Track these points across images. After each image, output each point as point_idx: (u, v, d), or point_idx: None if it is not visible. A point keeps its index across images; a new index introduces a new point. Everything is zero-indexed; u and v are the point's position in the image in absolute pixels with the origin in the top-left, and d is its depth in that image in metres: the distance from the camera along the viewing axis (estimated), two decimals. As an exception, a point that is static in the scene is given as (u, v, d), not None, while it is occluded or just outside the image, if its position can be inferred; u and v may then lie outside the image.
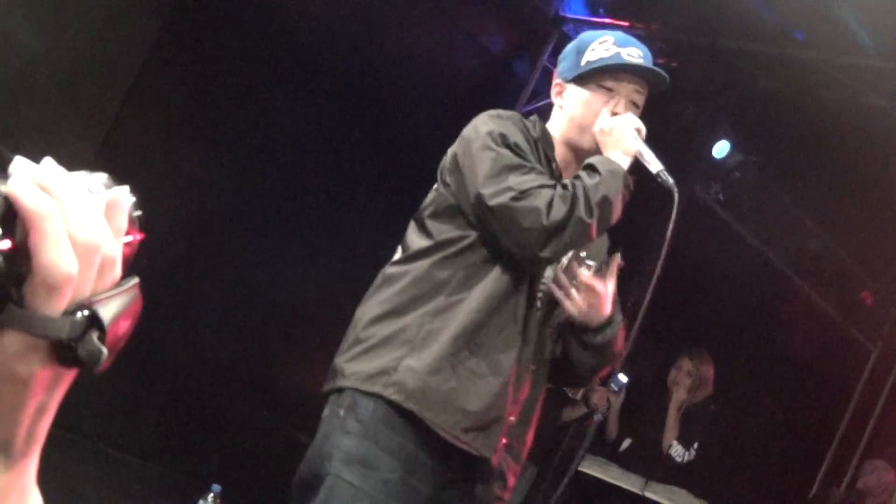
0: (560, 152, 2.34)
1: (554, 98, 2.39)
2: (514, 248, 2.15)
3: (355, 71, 5.43)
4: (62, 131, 4.58)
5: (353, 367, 2.19)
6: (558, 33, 6.40)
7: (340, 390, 2.19)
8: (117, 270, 0.60)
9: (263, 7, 5.19)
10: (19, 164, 0.57)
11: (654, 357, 5.97)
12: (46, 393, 0.60)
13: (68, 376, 0.60)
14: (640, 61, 2.30)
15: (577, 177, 2.18)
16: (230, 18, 5.08)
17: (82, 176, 0.60)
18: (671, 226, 2.23)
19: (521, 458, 2.33)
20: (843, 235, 7.21)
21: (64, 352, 0.58)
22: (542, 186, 2.13)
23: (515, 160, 2.17)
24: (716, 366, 5.23)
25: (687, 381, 5.13)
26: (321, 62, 5.33)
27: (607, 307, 2.26)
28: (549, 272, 2.29)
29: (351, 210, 5.48)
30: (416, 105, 5.52)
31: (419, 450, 2.15)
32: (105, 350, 0.58)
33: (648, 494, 4.84)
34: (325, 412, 2.22)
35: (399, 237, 2.36)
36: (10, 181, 0.56)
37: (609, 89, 2.29)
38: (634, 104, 2.31)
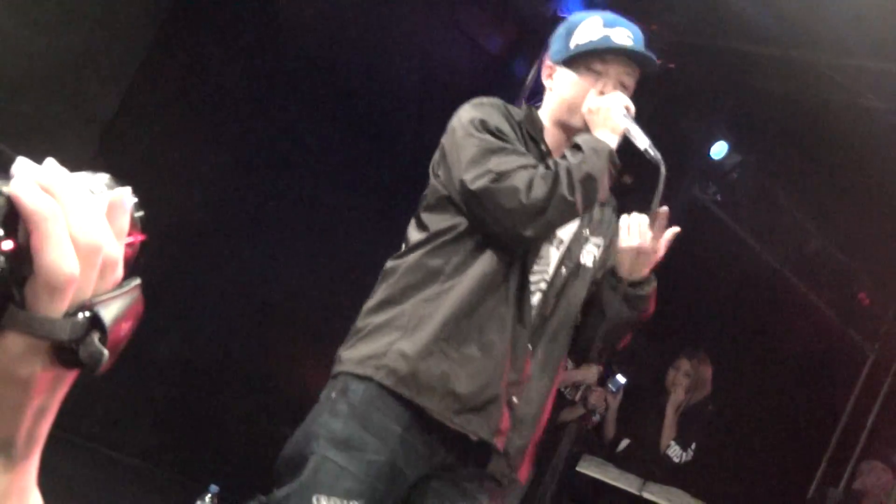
0: (551, 134, 2.36)
1: (545, 80, 2.41)
2: (498, 230, 2.18)
3: (354, 71, 5.42)
4: (60, 131, 4.58)
5: (348, 353, 2.23)
6: (557, 34, 6.41)
7: (336, 376, 2.23)
8: (119, 271, 0.60)
9: (262, 6, 5.18)
10: (22, 165, 0.57)
11: (652, 357, 5.97)
12: (47, 394, 0.60)
13: (69, 377, 0.60)
14: (628, 42, 2.32)
15: (562, 156, 2.21)
16: (229, 18, 5.07)
17: (84, 177, 0.60)
18: (657, 199, 2.25)
19: (534, 438, 2.33)
20: (840, 236, 7.22)
21: (65, 353, 0.57)
22: (522, 167, 2.15)
23: (497, 144, 2.19)
24: (714, 366, 5.23)
25: (685, 381, 5.13)
26: (319, 61, 5.32)
27: (649, 268, 2.32)
28: (553, 254, 2.30)
29: (349, 210, 5.47)
30: (415, 105, 5.52)
31: (408, 434, 2.16)
32: (106, 352, 0.58)
33: (646, 495, 4.84)
34: (321, 395, 2.26)
35: (399, 237, 2.39)
36: (12, 182, 0.56)
37: (598, 72, 2.31)
38: (623, 85, 2.33)
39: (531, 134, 2.33)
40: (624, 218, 2.32)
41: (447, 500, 2.25)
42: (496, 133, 2.22)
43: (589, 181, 2.16)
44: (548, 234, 2.25)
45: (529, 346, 2.25)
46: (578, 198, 2.15)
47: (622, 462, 5.05)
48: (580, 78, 2.31)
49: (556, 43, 2.41)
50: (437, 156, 2.31)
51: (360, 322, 2.26)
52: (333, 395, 2.20)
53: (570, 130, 2.33)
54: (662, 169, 2.23)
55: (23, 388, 0.58)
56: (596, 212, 2.41)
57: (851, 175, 5.97)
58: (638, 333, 6.04)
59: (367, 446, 2.14)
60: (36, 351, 0.57)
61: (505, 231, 2.16)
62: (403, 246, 2.33)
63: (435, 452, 2.21)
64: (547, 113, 2.39)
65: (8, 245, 0.54)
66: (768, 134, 6.39)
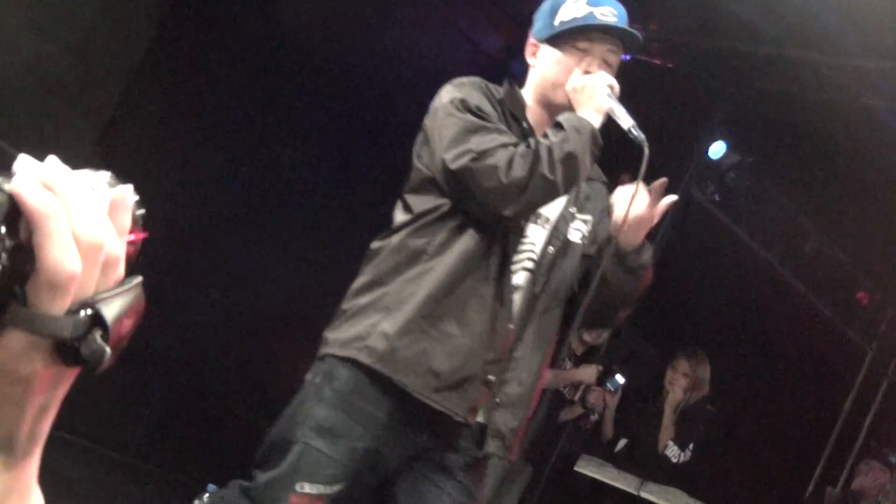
0: (534, 112, 2.36)
1: (528, 58, 2.40)
2: (478, 209, 2.18)
3: (352, 71, 5.42)
4: (60, 130, 4.58)
5: (333, 335, 2.24)
6: (555, 34, 6.41)
7: (322, 358, 2.24)
8: (121, 269, 0.60)
9: (261, 6, 5.18)
10: (24, 162, 0.57)
11: (650, 357, 5.97)
12: (49, 392, 0.60)
13: (70, 375, 0.60)
14: (612, 20, 2.32)
15: (543, 135, 2.20)
16: (228, 17, 5.07)
17: (86, 174, 0.60)
18: (639, 180, 2.24)
19: (522, 415, 2.32)
20: (839, 236, 7.23)
21: (67, 351, 0.57)
22: (502, 146, 2.15)
23: (477, 123, 2.19)
24: (712, 366, 5.23)
25: (683, 381, 5.13)
26: (318, 61, 5.32)
27: (643, 234, 2.30)
28: (536, 234, 2.29)
29: (347, 209, 5.47)
30: (413, 105, 5.51)
31: (392, 420, 2.17)
32: (108, 349, 0.58)
33: (644, 495, 4.84)
34: (307, 377, 2.27)
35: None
36: (14, 179, 0.55)
37: (582, 50, 2.31)
38: (607, 63, 2.34)
39: (513, 112, 2.33)
40: (619, 189, 2.31)
41: (429, 480, 2.25)
42: (477, 112, 2.21)
43: (570, 160, 2.15)
44: (529, 214, 2.25)
45: (510, 325, 2.24)
46: (559, 177, 2.14)
47: (620, 462, 5.05)
48: (564, 56, 2.31)
49: (539, 20, 2.39)
50: (419, 137, 2.32)
51: (346, 304, 2.27)
52: (318, 379, 2.21)
53: (554, 109, 2.32)
54: (646, 149, 2.22)
55: (24, 386, 0.58)
56: (583, 187, 2.40)
57: (850, 175, 5.98)
58: (637, 334, 6.05)
59: (351, 433, 2.15)
60: (37, 349, 0.57)
61: (485, 210, 2.16)
62: (390, 227, 2.34)
63: (419, 436, 2.21)
64: (530, 91, 2.38)
65: (10, 242, 0.54)
66: (767, 134, 6.40)
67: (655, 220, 2.30)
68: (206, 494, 3.41)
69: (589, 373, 4.96)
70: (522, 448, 5.00)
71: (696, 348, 5.28)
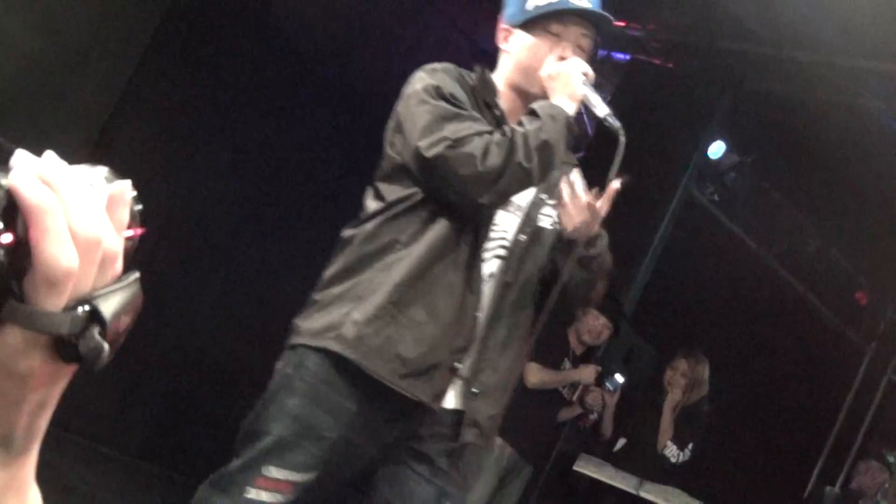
0: (506, 98, 2.33)
1: (500, 43, 2.38)
2: (453, 197, 2.16)
3: (351, 70, 5.42)
4: (58, 129, 4.58)
5: (306, 324, 2.23)
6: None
7: (293, 347, 2.23)
8: (118, 265, 0.60)
9: (259, 6, 5.18)
10: (21, 157, 0.56)
11: (649, 357, 5.97)
12: (46, 388, 0.59)
13: (68, 372, 0.60)
14: (586, 4, 2.29)
15: (518, 122, 2.18)
16: (227, 16, 5.07)
17: (83, 169, 0.60)
18: (615, 168, 2.22)
19: (501, 403, 2.30)
20: (838, 236, 7.23)
21: (65, 347, 0.57)
22: (478, 133, 2.13)
23: (451, 110, 2.17)
24: (711, 366, 5.23)
25: (682, 381, 5.13)
26: (316, 61, 5.32)
27: (597, 225, 2.28)
28: (508, 222, 2.29)
29: (346, 208, 5.46)
30: (413, 104, 5.51)
31: (363, 409, 2.16)
32: (107, 346, 0.58)
33: (643, 494, 4.84)
34: (278, 365, 2.26)
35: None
36: (11, 174, 0.55)
37: (555, 34, 2.28)
38: (581, 48, 2.30)
39: (485, 99, 2.31)
40: (565, 180, 2.29)
41: (410, 468, 2.24)
42: (450, 99, 2.19)
43: (546, 148, 2.14)
44: (503, 202, 2.23)
45: (478, 313, 2.23)
46: (535, 165, 2.13)
47: (619, 461, 5.05)
48: (538, 41, 2.28)
49: (511, 5, 2.37)
50: (391, 124, 2.29)
51: (318, 293, 2.26)
52: (289, 370, 2.20)
53: (527, 95, 2.30)
54: (622, 138, 2.19)
55: (22, 383, 0.58)
56: (554, 174, 2.37)
57: (849, 175, 5.98)
58: (635, 333, 6.03)
59: (322, 424, 2.14)
60: (35, 345, 0.57)
61: (460, 198, 2.15)
62: (361, 215, 2.33)
63: (392, 425, 2.21)
64: (502, 77, 2.36)
65: (7, 238, 0.54)
66: (766, 134, 6.40)
67: (605, 211, 2.28)
68: None
69: (588, 373, 4.95)
70: (511, 489, 4.98)
71: (696, 348, 5.27)
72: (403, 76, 2.40)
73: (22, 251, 0.55)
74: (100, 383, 4.63)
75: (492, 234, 2.26)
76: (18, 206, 0.54)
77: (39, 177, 0.56)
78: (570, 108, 2.21)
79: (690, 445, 5.10)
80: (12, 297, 0.55)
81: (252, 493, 2.12)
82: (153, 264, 4.90)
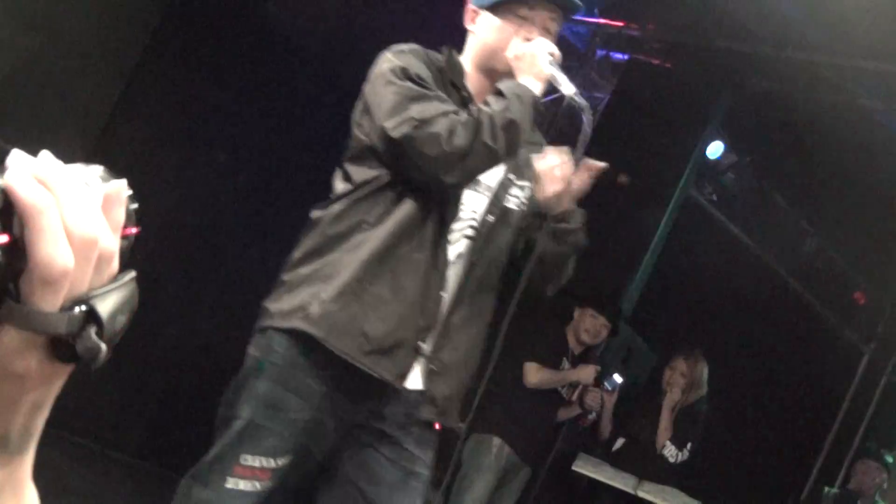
0: (474, 79, 2.34)
1: (467, 24, 2.39)
2: (419, 177, 2.17)
3: (349, 70, 5.41)
4: (56, 130, 4.57)
5: (275, 306, 2.24)
6: (553, 33, 6.41)
7: (263, 331, 2.24)
8: (115, 265, 0.60)
9: (257, 7, 5.18)
10: (16, 157, 0.56)
11: (647, 357, 5.98)
12: (43, 388, 0.59)
13: (65, 371, 0.60)
14: None
15: (484, 102, 2.19)
16: (225, 16, 5.07)
17: (79, 169, 0.60)
18: (581, 146, 2.24)
19: (458, 382, 2.30)
20: (836, 236, 7.24)
21: (62, 347, 0.57)
22: (443, 113, 2.13)
23: (418, 91, 2.18)
24: (710, 366, 5.23)
25: (681, 381, 5.13)
26: (314, 61, 5.32)
27: (569, 201, 2.28)
28: (477, 202, 2.29)
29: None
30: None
31: (331, 390, 2.17)
32: (104, 346, 0.58)
33: (641, 494, 4.84)
34: (249, 350, 2.28)
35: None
36: (7, 174, 0.55)
37: (522, 17, 2.29)
38: (548, 31, 2.31)
39: (452, 80, 2.32)
40: (542, 159, 2.30)
41: (375, 450, 2.24)
42: (416, 80, 2.20)
43: (512, 128, 2.14)
44: (470, 181, 2.24)
45: (442, 293, 2.23)
46: (501, 145, 2.14)
47: (618, 461, 5.05)
48: (505, 23, 2.29)
49: None
50: (359, 106, 2.29)
51: (286, 274, 2.27)
52: (258, 353, 2.22)
53: (494, 76, 2.30)
54: (586, 116, 2.21)
55: (19, 383, 0.58)
56: (522, 152, 2.37)
57: (848, 175, 5.98)
58: (635, 333, 6.03)
59: (290, 406, 2.16)
60: (32, 345, 0.57)
61: (427, 178, 2.16)
62: (329, 196, 2.33)
63: (360, 405, 2.21)
64: (469, 58, 2.37)
65: (3, 239, 0.54)
66: (765, 134, 6.41)
67: (584, 188, 2.29)
68: None
69: (586, 373, 4.95)
70: (509, 489, 4.97)
71: (694, 348, 5.27)
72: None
73: (18, 251, 0.54)
74: (100, 383, 4.63)
75: (461, 215, 2.27)
76: (14, 205, 0.54)
77: (35, 176, 0.55)
78: (537, 88, 2.22)
79: (689, 445, 5.10)
80: (9, 297, 0.55)
81: (230, 483, 2.13)
82: (152, 264, 4.90)
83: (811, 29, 5.01)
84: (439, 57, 2.34)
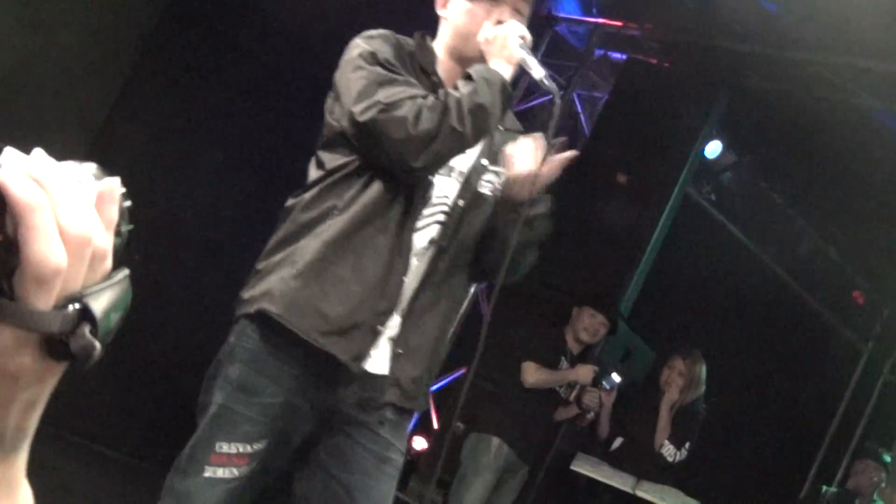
0: (446, 65, 2.34)
1: (438, 10, 2.39)
2: (387, 161, 2.16)
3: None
4: (54, 130, 4.57)
5: (246, 293, 2.25)
6: (551, 32, 6.41)
7: (237, 320, 2.26)
8: (108, 263, 0.60)
9: (255, 6, 5.18)
10: (9, 155, 0.56)
11: (646, 356, 5.97)
12: (37, 386, 0.59)
13: (59, 370, 0.60)
14: None
15: (454, 87, 2.19)
16: (224, 15, 5.07)
17: (71, 166, 0.59)
18: (552, 129, 2.22)
19: (424, 366, 2.29)
20: (835, 235, 7.24)
21: (56, 346, 0.57)
22: (411, 97, 2.13)
23: (386, 76, 2.18)
24: (708, 365, 5.23)
25: (679, 380, 5.13)
26: (313, 60, 5.31)
27: (537, 187, 2.25)
28: (448, 187, 2.28)
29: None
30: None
31: (303, 374, 2.18)
32: (99, 344, 0.57)
33: (640, 493, 4.84)
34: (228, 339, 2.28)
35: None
36: (0, 172, 0.55)
37: (494, 1, 2.29)
38: (519, 13, 2.31)
39: (422, 65, 2.31)
40: (511, 146, 2.28)
41: (348, 436, 2.24)
42: (385, 65, 2.20)
43: (479, 111, 2.13)
44: (438, 165, 2.23)
45: (404, 278, 2.22)
46: (468, 128, 2.13)
47: (616, 461, 5.05)
48: (475, 6, 2.29)
49: None
50: (331, 93, 2.30)
51: (260, 263, 2.27)
52: (232, 339, 2.23)
53: (465, 61, 2.29)
54: (557, 99, 2.20)
55: (12, 381, 0.58)
56: (497, 138, 2.37)
57: (846, 174, 5.99)
58: (634, 332, 6.03)
59: (264, 390, 2.16)
60: (26, 343, 0.57)
61: (394, 162, 2.15)
62: (304, 184, 2.33)
63: (330, 389, 2.21)
64: (441, 44, 2.37)
65: None
66: (763, 133, 6.41)
67: (552, 175, 2.27)
68: None
69: (585, 372, 4.95)
70: (508, 488, 4.96)
71: (692, 347, 5.28)
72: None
73: (11, 249, 0.54)
74: (98, 383, 4.62)
75: (433, 200, 2.27)
76: (6, 203, 0.54)
77: (29, 174, 0.55)
78: (506, 72, 2.21)
79: (687, 445, 5.11)
80: (2, 296, 0.55)
81: (208, 472, 2.14)
82: (151, 264, 4.89)
83: (810, 28, 5.01)
84: (410, 42, 2.35)
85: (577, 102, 6.73)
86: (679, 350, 5.25)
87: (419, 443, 6.03)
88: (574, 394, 5.04)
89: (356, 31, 2.38)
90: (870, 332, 7.77)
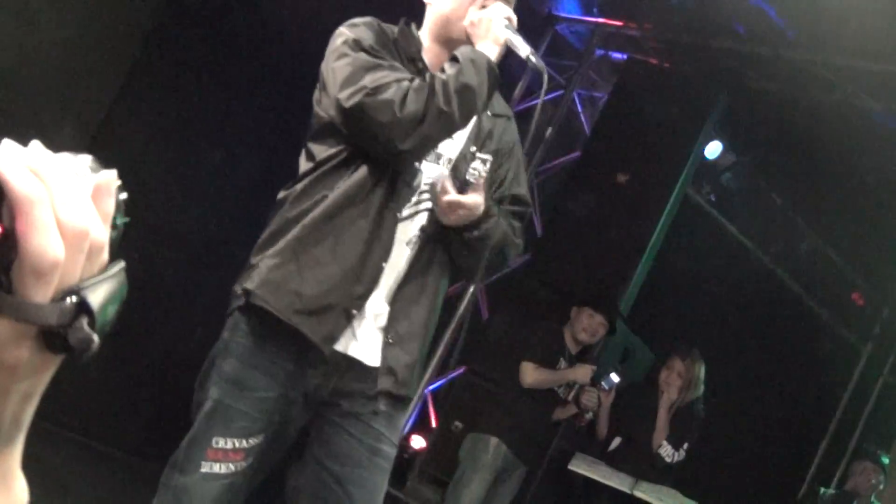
0: (432, 52, 2.35)
1: None
2: (375, 146, 2.16)
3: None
4: (52, 127, 4.57)
5: (239, 287, 2.25)
6: (552, 32, 6.41)
7: (231, 314, 2.26)
8: (105, 255, 0.60)
9: (253, 4, 5.18)
10: (7, 147, 0.56)
11: (645, 356, 5.98)
12: (33, 378, 0.59)
13: (55, 362, 0.60)
14: None
15: (441, 70, 2.19)
16: (223, 12, 5.07)
17: (67, 158, 0.59)
18: (538, 108, 2.26)
19: (415, 351, 2.28)
20: (834, 236, 7.24)
21: (53, 338, 0.57)
22: (396, 81, 2.13)
23: (371, 61, 2.18)
24: (707, 366, 5.23)
25: (678, 381, 5.13)
26: (312, 60, 5.31)
27: (477, 212, 2.24)
28: (437, 174, 2.29)
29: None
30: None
31: (296, 367, 2.18)
32: (97, 337, 0.57)
33: (638, 493, 4.83)
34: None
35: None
36: None
37: None
38: None
39: (408, 52, 2.32)
40: (438, 184, 2.27)
41: (339, 426, 2.24)
42: (370, 51, 2.21)
43: (466, 92, 2.13)
44: (427, 148, 2.23)
45: (384, 264, 2.22)
46: (455, 109, 2.13)
47: (614, 461, 5.05)
48: None
49: None
50: (318, 84, 2.30)
51: (252, 257, 2.28)
52: (226, 335, 2.24)
53: (452, 45, 2.29)
54: (545, 77, 2.22)
55: (10, 373, 0.58)
56: (485, 123, 2.37)
57: (846, 175, 5.99)
58: (633, 332, 6.02)
59: (258, 385, 2.16)
60: (24, 336, 0.57)
61: (382, 146, 2.15)
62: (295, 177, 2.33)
63: (326, 380, 2.21)
64: (427, 30, 2.38)
65: None
66: (763, 134, 6.41)
67: (480, 201, 2.25)
68: None
69: (583, 372, 4.95)
70: (506, 488, 4.96)
71: (691, 348, 5.27)
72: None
73: (8, 242, 0.54)
74: (98, 381, 4.63)
75: (422, 187, 2.27)
76: (5, 196, 0.54)
77: (28, 167, 0.55)
78: (493, 52, 2.22)
79: (686, 445, 5.10)
80: (0, 288, 0.55)
81: (206, 467, 2.15)
82: (150, 261, 4.89)
83: (810, 29, 5.01)
84: (395, 29, 2.35)
85: (578, 102, 6.73)
86: (678, 350, 5.25)
87: (417, 441, 6.03)
88: (572, 394, 5.04)
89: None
90: (869, 333, 7.77)
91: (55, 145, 0.60)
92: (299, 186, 2.26)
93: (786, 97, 5.68)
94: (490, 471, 4.84)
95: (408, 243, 2.26)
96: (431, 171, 2.28)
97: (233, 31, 5.13)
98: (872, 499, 5.86)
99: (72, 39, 4.61)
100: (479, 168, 2.31)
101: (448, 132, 2.20)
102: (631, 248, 5.78)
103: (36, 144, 0.57)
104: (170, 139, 5.08)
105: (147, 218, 4.88)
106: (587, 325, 4.97)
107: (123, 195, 0.62)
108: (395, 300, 2.25)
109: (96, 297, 0.58)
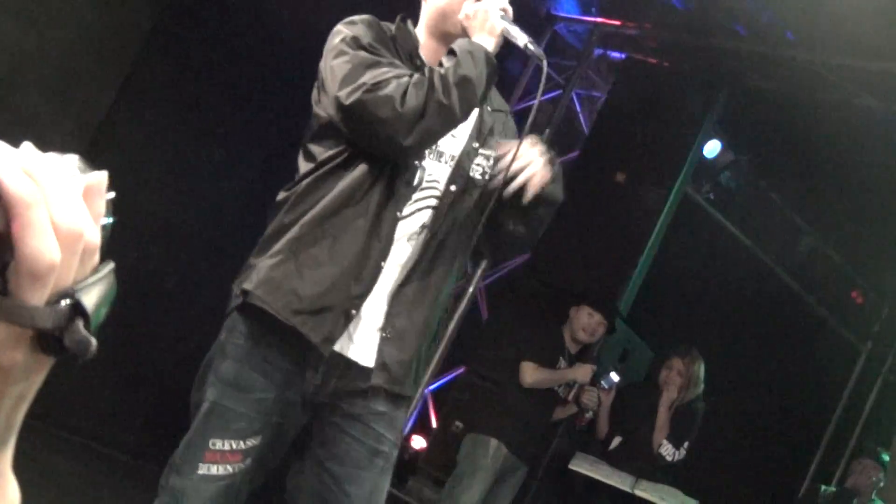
0: (429, 48, 2.34)
1: None
2: (377, 143, 2.15)
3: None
4: (52, 128, 4.57)
5: (237, 287, 2.24)
6: (550, 31, 6.42)
7: (229, 314, 2.25)
8: (97, 257, 0.60)
9: (253, 5, 5.18)
10: (1, 149, 0.56)
11: (644, 355, 5.98)
12: (26, 381, 0.59)
13: (48, 364, 0.60)
14: None
15: (439, 65, 2.19)
16: (223, 13, 5.06)
17: (53, 158, 0.59)
18: (538, 96, 2.24)
19: (411, 349, 2.27)
20: (833, 235, 7.24)
21: (48, 341, 0.57)
22: (396, 76, 2.12)
23: (370, 58, 2.17)
24: (707, 365, 5.23)
25: (678, 380, 5.13)
26: (311, 60, 5.31)
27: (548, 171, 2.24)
28: (440, 172, 2.28)
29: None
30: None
31: (294, 368, 2.17)
32: (93, 339, 0.57)
33: (638, 492, 4.83)
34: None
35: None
36: None
37: None
38: None
39: (405, 49, 2.31)
40: (506, 147, 2.27)
41: (339, 428, 2.24)
42: (368, 48, 2.20)
43: (465, 84, 2.13)
44: (429, 143, 2.21)
45: (382, 263, 2.21)
46: (455, 101, 2.12)
47: (615, 460, 5.04)
48: None
49: None
50: (316, 83, 2.29)
51: (252, 258, 2.27)
52: (223, 336, 2.23)
53: (449, 39, 2.30)
54: (543, 64, 2.21)
55: (3, 376, 0.57)
56: (486, 119, 2.37)
57: (845, 174, 5.99)
58: (632, 332, 6.02)
59: (255, 385, 2.16)
60: (19, 339, 0.56)
61: (384, 143, 2.13)
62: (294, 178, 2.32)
63: (325, 382, 2.20)
64: (423, 26, 2.37)
65: None
66: (762, 133, 6.41)
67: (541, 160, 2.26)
68: None
69: (583, 372, 4.95)
70: (506, 488, 4.95)
71: (691, 346, 5.27)
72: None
73: (4, 245, 0.54)
74: (96, 382, 4.62)
75: (424, 185, 2.26)
76: (0, 198, 0.54)
77: (22, 168, 0.55)
78: (489, 44, 2.22)
79: (686, 444, 5.10)
80: None
81: (203, 469, 2.14)
82: (149, 261, 4.90)
83: (809, 28, 5.01)
84: (392, 27, 2.34)
85: (576, 102, 6.73)
86: (677, 349, 5.25)
87: (417, 442, 6.03)
88: (572, 393, 5.04)
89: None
90: (869, 331, 7.78)
91: (55, 145, 0.60)
92: (300, 188, 2.24)
93: (785, 96, 5.68)
94: (489, 473, 4.84)
95: (409, 239, 2.25)
96: (434, 168, 2.27)
97: (233, 31, 5.13)
98: (873, 496, 5.86)
99: (72, 40, 4.61)
100: (482, 164, 2.30)
101: (449, 125, 2.19)
102: (630, 248, 5.78)
103: (27, 146, 0.57)
104: (170, 139, 5.08)
105: (147, 218, 4.88)
106: (586, 324, 4.97)
107: (111, 195, 0.61)
108: (395, 299, 2.23)
109: (90, 298, 0.58)
